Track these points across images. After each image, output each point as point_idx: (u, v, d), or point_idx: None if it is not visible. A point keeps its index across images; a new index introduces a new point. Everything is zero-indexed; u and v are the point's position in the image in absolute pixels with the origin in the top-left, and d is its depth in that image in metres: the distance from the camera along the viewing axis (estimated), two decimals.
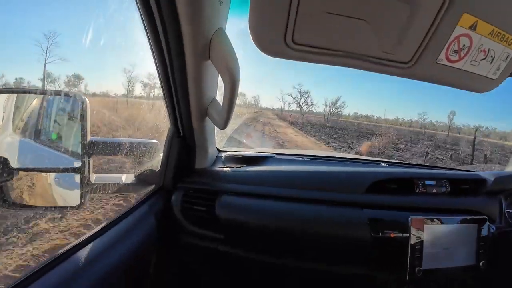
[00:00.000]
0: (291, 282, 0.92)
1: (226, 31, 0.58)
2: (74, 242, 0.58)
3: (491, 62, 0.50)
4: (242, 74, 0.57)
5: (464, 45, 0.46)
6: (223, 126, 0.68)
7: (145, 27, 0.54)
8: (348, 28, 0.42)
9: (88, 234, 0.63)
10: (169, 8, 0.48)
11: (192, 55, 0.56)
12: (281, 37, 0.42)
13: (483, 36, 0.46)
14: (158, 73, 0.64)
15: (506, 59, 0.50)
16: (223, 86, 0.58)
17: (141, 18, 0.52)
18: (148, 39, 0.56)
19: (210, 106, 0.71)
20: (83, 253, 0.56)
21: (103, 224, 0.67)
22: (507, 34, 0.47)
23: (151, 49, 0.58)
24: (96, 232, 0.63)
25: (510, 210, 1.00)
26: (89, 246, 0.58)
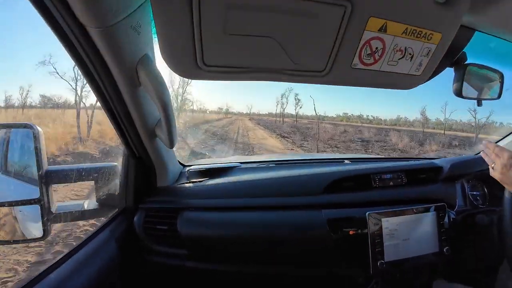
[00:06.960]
0: None
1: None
2: (26, 279, 0.58)
3: (411, 59, 0.50)
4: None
5: (377, 47, 0.46)
6: (170, 145, 0.69)
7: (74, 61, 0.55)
8: (255, 46, 0.42)
9: (45, 266, 0.63)
10: (88, 42, 0.49)
11: (123, 84, 0.57)
12: (192, 61, 0.42)
13: (396, 36, 0.46)
14: (100, 101, 0.65)
15: (427, 54, 0.50)
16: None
17: (69, 54, 0.53)
18: (81, 71, 0.57)
19: (157, 126, 0.72)
20: None
21: (64, 253, 0.67)
22: (424, 29, 0.46)
23: (87, 81, 0.59)
24: (58, 260, 0.63)
25: (474, 193, 1.04)
26: (48, 278, 0.58)
